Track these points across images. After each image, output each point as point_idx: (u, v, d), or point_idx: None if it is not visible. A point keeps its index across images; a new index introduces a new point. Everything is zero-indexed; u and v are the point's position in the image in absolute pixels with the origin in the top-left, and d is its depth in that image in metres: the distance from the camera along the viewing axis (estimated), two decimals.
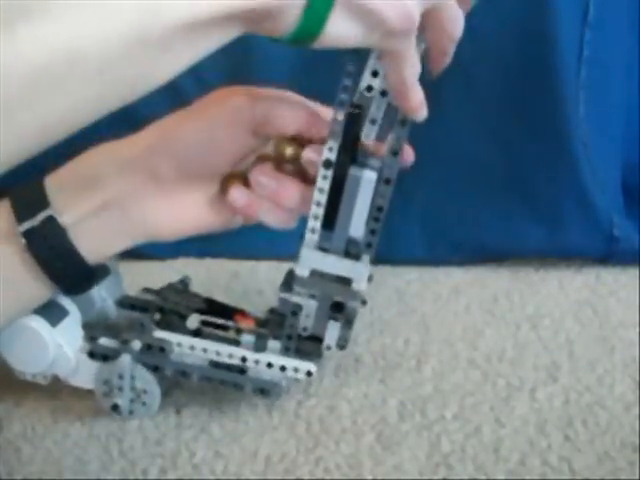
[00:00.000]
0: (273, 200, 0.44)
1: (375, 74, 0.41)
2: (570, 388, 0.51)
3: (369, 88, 0.41)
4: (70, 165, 0.44)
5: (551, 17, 0.60)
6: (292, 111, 0.43)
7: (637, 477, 0.43)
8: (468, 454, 0.45)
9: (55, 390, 0.49)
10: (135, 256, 0.65)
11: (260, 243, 0.68)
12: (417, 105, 0.41)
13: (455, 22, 0.38)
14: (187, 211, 0.44)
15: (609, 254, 0.65)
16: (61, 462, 0.46)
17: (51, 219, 0.41)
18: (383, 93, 0.41)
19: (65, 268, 0.42)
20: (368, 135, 0.43)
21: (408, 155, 0.45)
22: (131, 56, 0.29)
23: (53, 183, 0.43)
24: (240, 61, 0.64)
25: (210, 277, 0.57)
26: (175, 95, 0.64)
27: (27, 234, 0.41)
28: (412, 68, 0.39)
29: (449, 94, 0.63)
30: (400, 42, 0.36)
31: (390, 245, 0.67)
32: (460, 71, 0.62)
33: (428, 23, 0.37)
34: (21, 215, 0.42)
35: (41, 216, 0.41)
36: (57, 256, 0.42)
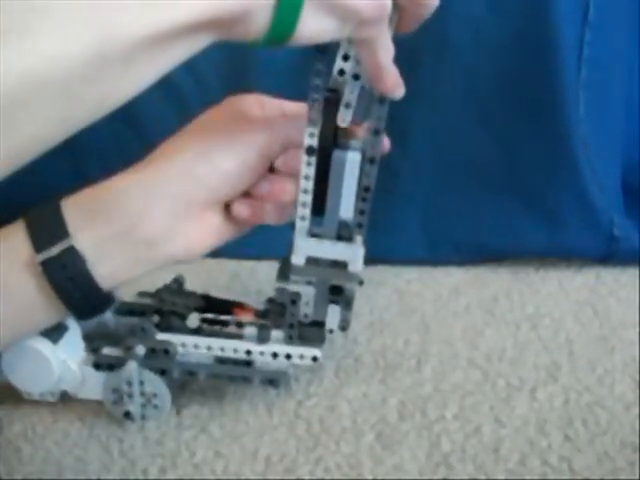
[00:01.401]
0: (271, 200, 0.45)
1: (346, 58, 0.40)
2: (570, 388, 0.51)
3: (341, 72, 0.41)
4: (91, 190, 0.43)
5: (551, 17, 0.60)
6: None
7: (637, 477, 0.43)
8: (468, 454, 0.45)
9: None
10: None
11: (260, 243, 0.67)
12: (393, 86, 0.40)
13: None
14: (208, 230, 0.44)
15: (609, 254, 0.65)
16: (61, 462, 0.46)
17: (71, 249, 0.40)
18: (355, 76, 0.41)
19: (83, 298, 0.42)
20: (343, 119, 0.42)
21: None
22: (93, 74, 0.28)
23: (71, 207, 0.42)
24: (239, 58, 0.64)
25: (210, 277, 0.58)
26: (172, 92, 0.64)
27: (45, 263, 0.40)
28: (386, 51, 0.38)
29: (449, 94, 0.63)
30: (374, 29, 0.36)
31: (390, 245, 0.67)
32: (460, 71, 0.62)
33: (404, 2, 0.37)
34: (39, 244, 0.41)
35: (60, 246, 0.40)
36: (75, 286, 0.41)
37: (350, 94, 0.42)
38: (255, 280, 0.65)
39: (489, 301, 0.62)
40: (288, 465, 0.45)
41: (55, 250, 0.40)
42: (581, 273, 0.66)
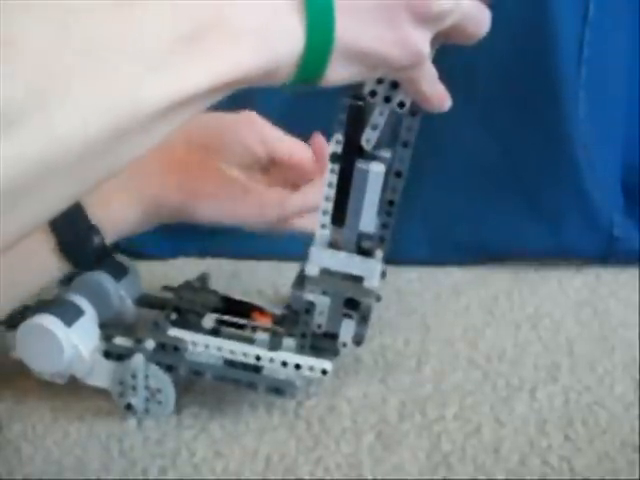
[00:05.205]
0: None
1: (380, 80, 0.39)
2: (570, 388, 0.51)
3: (372, 93, 0.39)
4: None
5: (551, 17, 0.60)
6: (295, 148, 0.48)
7: (637, 477, 0.43)
8: (468, 454, 0.45)
9: (55, 389, 0.49)
10: (135, 256, 0.65)
11: (260, 243, 0.68)
12: (440, 104, 0.39)
13: (481, 25, 0.36)
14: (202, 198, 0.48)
15: (609, 254, 0.65)
16: (61, 462, 0.46)
17: None
18: (387, 99, 0.39)
19: (80, 242, 0.44)
20: (369, 140, 0.41)
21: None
22: (109, 148, 0.27)
23: None
24: None
25: (211, 277, 0.58)
26: None
27: None
28: (429, 81, 0.37)
29: (450, 95, 0.63)
30: (411, 73, 0.35)
31: (390, 245, 0.67)
32: (460, 72, 0.62)
33: (451, 32, 0.35)
34: None
35: None
36: (69, 223, 0.43)
37: (379, 116, 0.40)
38: (255, 280, 0.65)
39: (489, 301, 0.62)
40: (288, 465, 0.45)
41: None
42: (581, 273, 0.66)
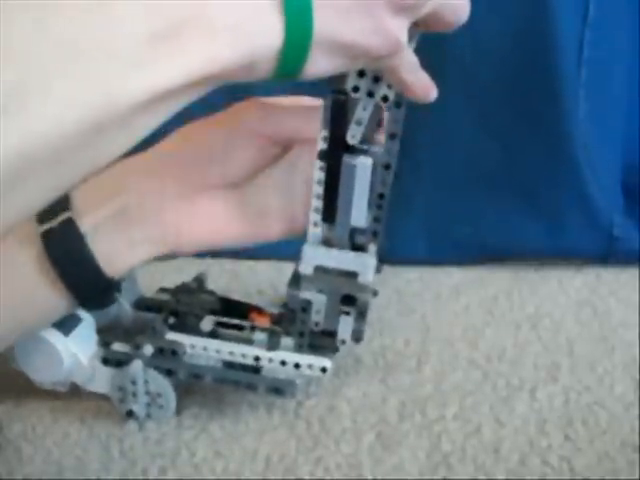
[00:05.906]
0: None
1: (362, 74, 0.39)
2: (570, 388, 0.51)
3: (355, 88, 0.39)
4: (97, 177, 0.42)
5: (551, 17, 0.60)
6: (303, 119, 0.43)
7: (637, 477, 0.43)
8: (468, 454, 0.45)
9: (55, 390, 0.49)
10: None
11: (259, 243, 0.68)
12: (425, 93, 0.38)
13: (460, 13, 0.36)
14: (203, 219, 0.44)
15: (609, 254, 0.65)
16: (61, 462, 0.46)
17: (69, 222, 0.40)
18: (370, 94, 0.39)
19: (81, 276, 0.41)
20: (354, 136, 0.41)
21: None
22: (89, 142, 0.27)
23: (78, 191, 0.42)
24: None
25: (210, 277, 0.58)
26: None
27: (45, 236, 0.40)
28: (409, 70, 0.37)
29: (449, 94, 0.63)
30: (391, 61, 0.35)
31: (390, 245, 0.66)
32: (460, 71, 0.62)
33: (430, 20, 0.35)
34: (42, 216, 0.40)
35: (60, 218, 0.40)
36: (73, 262, 0.40)
37: (363, 111, 0.40)
38: (255, 280, 0.65)
39: (489, 301, 0.62)
40: (288, 465, 0.45)
41: (55, 222, 0.40)
42: (581, 273, 0.66)
